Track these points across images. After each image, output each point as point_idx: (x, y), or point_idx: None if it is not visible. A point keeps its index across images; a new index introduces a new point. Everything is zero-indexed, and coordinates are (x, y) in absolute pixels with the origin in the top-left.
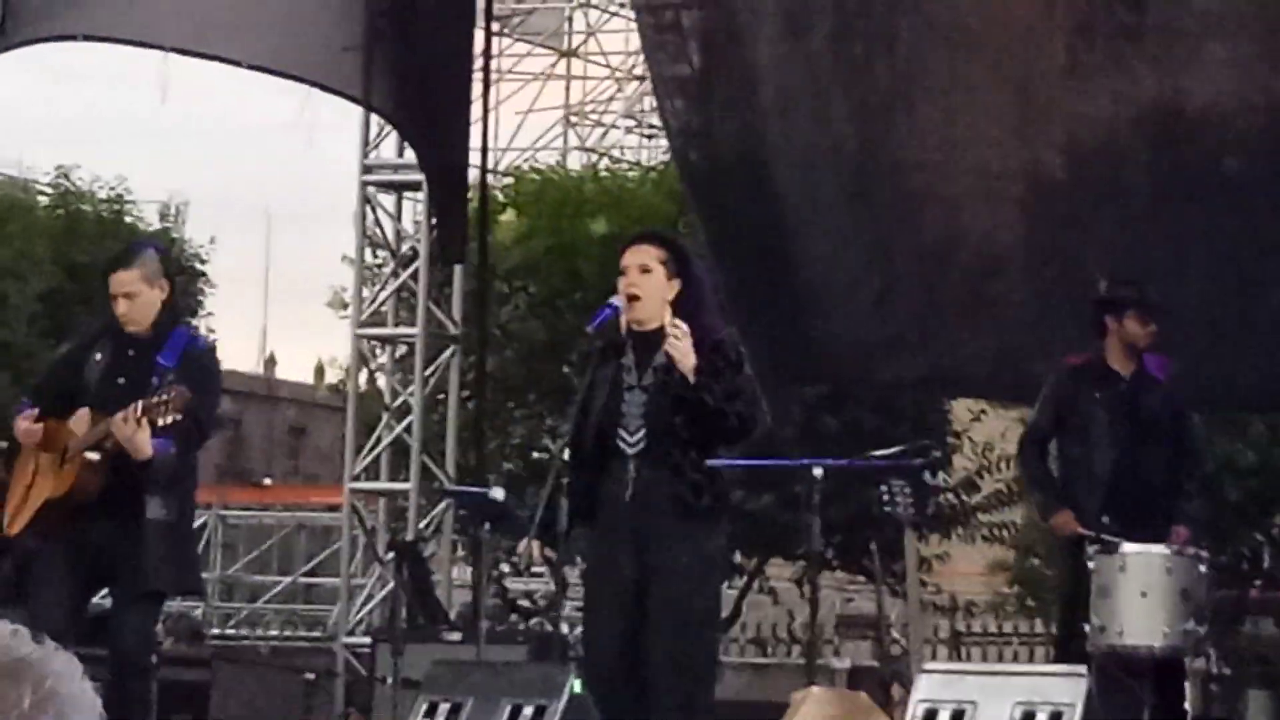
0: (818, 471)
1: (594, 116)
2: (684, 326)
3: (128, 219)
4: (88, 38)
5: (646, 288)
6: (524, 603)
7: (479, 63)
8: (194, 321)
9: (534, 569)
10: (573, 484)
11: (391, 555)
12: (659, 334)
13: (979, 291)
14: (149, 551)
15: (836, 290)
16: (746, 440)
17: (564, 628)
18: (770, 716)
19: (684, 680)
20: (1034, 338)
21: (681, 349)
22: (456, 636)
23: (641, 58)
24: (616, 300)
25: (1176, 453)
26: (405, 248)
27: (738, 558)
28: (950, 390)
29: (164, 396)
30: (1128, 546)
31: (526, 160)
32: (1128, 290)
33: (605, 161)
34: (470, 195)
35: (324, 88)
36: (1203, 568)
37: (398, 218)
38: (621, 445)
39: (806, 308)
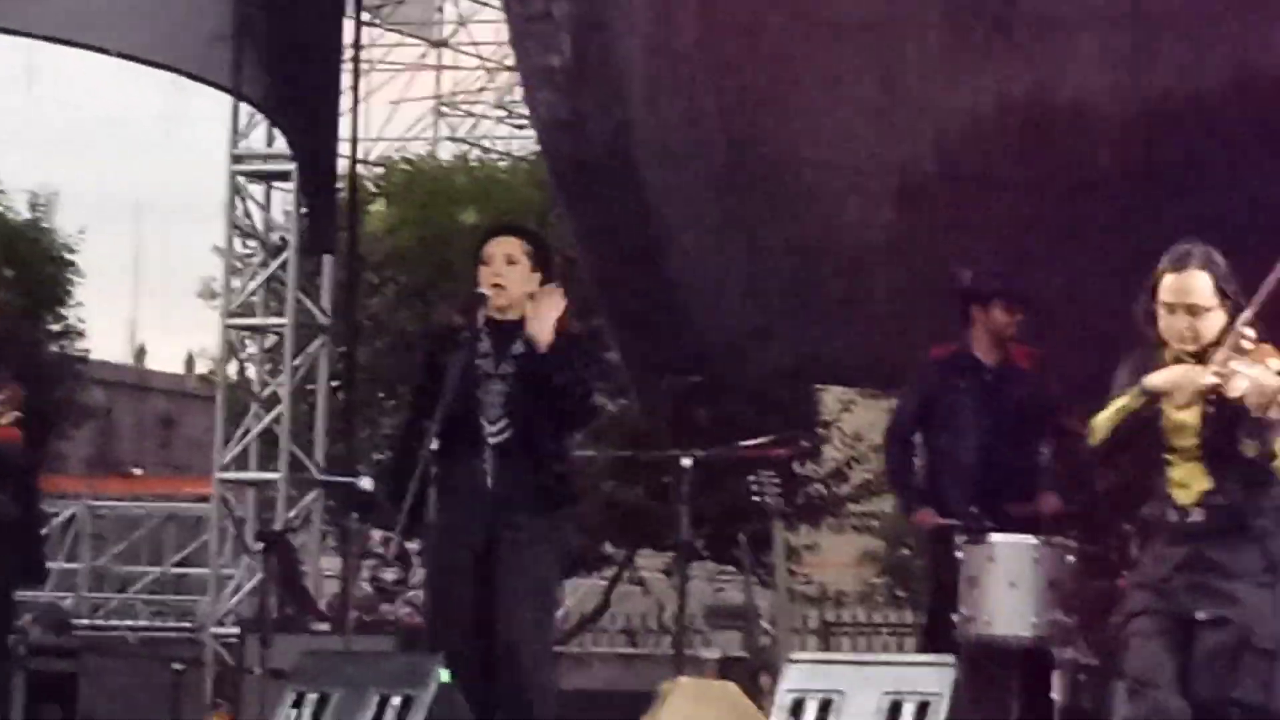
0: (687, 462)
1: (465, 107)
2: (558, 296)
3: None
4: None
5: (512, 279)
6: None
7: (349, 53)
8: (63, 312)
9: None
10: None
11: (260, 545)
12: (517, 325)
13: (849, 283)
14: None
15: (706, 282)
16: (585, 426)
17: None
18: (639, 707)
19: (526, 668)
20: (904, 329)
21: (545, 315)
22: (325, 627)
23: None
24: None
25: (1044, 442)
26: (275, 238)
27: (608, 548)
28: (821, 379)
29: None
30: (996, 537)
31: (397, 150)
32: (994, 280)
33: (476, 152)
34: (340, 185)
35: (194, 77)
36: (1071, 558)
37: (267, 208)
38: (482, 434)
39: (677, 299)
